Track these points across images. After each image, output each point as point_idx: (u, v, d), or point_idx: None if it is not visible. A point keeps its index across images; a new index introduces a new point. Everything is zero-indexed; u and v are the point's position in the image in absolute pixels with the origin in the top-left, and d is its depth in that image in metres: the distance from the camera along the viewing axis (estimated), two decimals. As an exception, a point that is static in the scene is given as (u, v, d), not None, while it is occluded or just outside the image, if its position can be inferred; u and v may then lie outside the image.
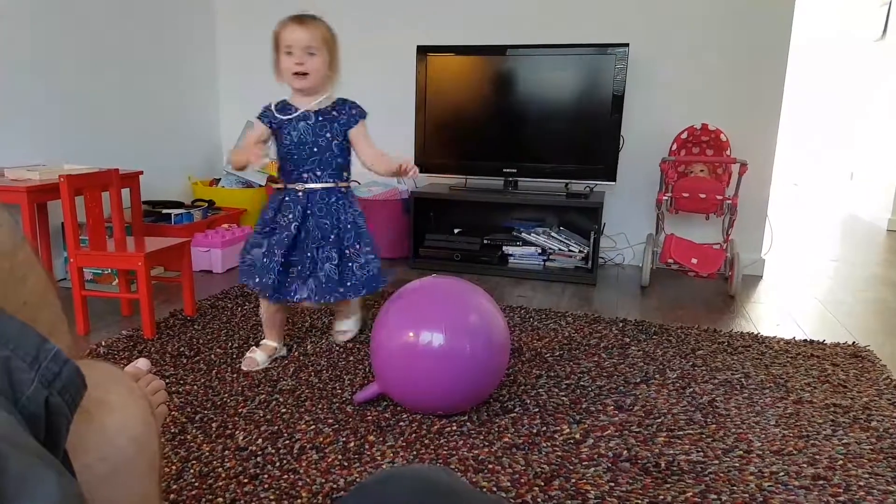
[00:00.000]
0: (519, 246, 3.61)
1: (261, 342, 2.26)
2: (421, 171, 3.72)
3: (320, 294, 2.15)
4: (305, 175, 2.16)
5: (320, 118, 2.15)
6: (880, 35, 5.89)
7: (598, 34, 3.58)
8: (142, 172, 3.01)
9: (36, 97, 3.01)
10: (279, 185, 2.22)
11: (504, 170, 3.63)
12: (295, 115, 2.13)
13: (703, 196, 3.20)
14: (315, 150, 2.14)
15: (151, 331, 2.41)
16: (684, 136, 3.46)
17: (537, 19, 3.74)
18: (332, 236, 2.17)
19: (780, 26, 3.44)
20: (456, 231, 3.77)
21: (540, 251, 3.57)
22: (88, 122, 3.32)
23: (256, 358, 2.17)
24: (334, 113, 2.17)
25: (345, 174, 2.24)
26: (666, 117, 3.62)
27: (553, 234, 3.59)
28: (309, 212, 2.15)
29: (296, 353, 2.30)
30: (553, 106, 3.51)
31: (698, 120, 3.46)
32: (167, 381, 2.04)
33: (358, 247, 2.21)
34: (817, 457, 1.67)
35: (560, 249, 3.55)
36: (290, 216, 2.14)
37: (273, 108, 2.16)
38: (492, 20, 3.80)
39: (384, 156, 2.25)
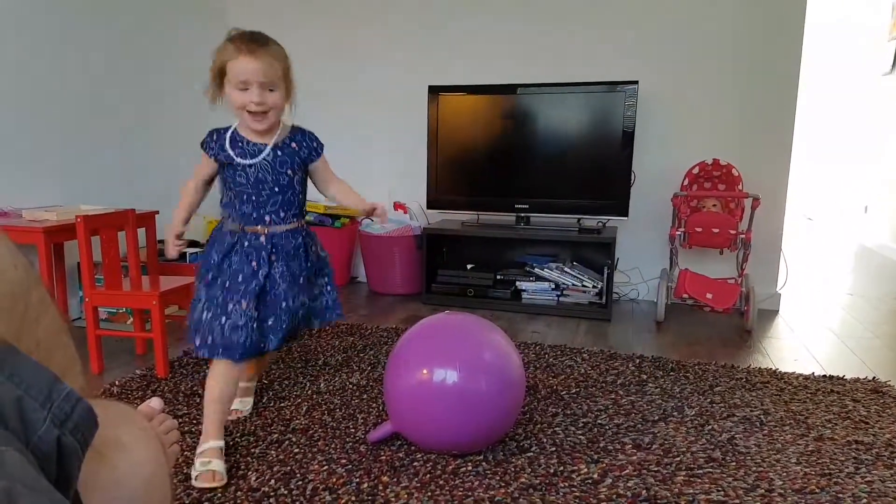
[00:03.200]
0: (532, 281, 3.60)
1: (207, 446, 1.73)
2: (433, 208, 3.79)
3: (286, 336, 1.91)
4: (267, 217, 1.86)
5: (279, 153, 1.86)
6: (889, 69, 5.92)
7: (609, 72, 3.61)
8: (158, 212, 3.04)
9: (54, 139, 3.07)
10: (234, 227, 1.89)
11: (516, 206, 3.64)
12: (252, 153, 1.85)
13: (716, 231, 3.19)
14: (276, 189, 1.85)
15: (165, 370, 2.41)
16: (696, 171, 3.46)
17: (547, 58, 3.78)
18: (303, 280, 1.91)
19: (790, 60, 3.46)
20: (469, 267, 3.77)
21: (553, 286, 3.56)
22: (106, 164, 3.37)
23: (218, 470, 1.68)
24: (293, 146, 1.89)
25: (304, 211, 1.97)
26: (677, 153, 3.63)
27: (566, 269, 3.58)
28: (275, 257, 1.86)
29: (309, 392, 2.29)
30: (564, 143, 3.53)
31: (709, 155, 3.46)
32: (180, 420, 2.03)
33: (325, 280, 2.04)
34: (840, 496, 1.63)
35: (574, 285, 3.54)
36: (254, 263, 1.83)
37: (225, 137, 1.88)
38: (502, 59, 3.85)
39: (352, 191, 2.02)
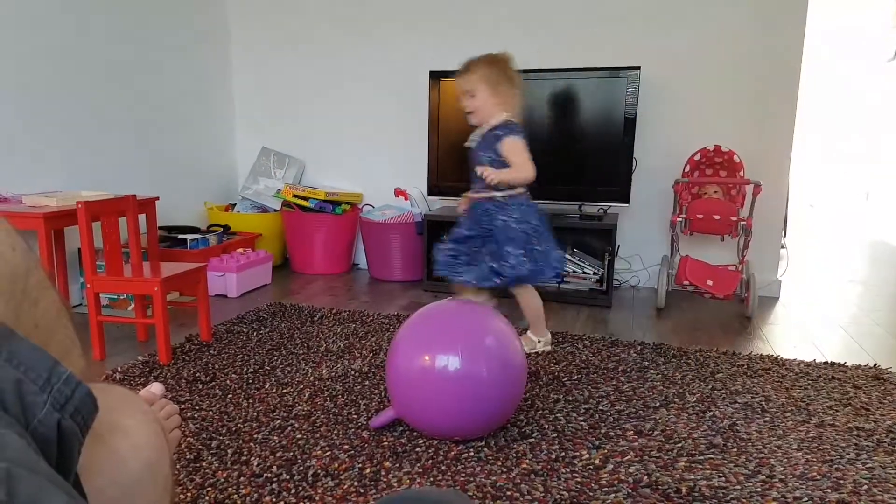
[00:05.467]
0: (533, 269, 3.59)
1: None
2: (434, 195, 3.79)
3: (479, 280, 2.45)
4: (473, 186, 2.53)
5: (482, 140, 2.46)
6: (892, 56, 5.89)
7: (611, 57, 3.59)
8: (158, 198, 3.03)
9: (54, 125, 3.06)
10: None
11: (517, 193, 3.62)
12: (474, 139, 2.50)
13: (717, 217, 3.18)
14: (476, 164, 2.46)
15: (167, 356, 2.41)
16: (697, 157, 3.45)
17: (549, 43, 3.76)
18: (489, 237, 2.47)
19: (792, 47, 3.44)
20: (470, 254, 3.76)
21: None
22: (106, 150, 3.36)
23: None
24: (496, 133, 2.42)
25: (500, 186, 2.43)
26: (679, 139, 3.62)
27: (567, 256, 3.58)
28: (471, 218, 2.52)
29: (311, 378, 2.29)
30: (565, 128, 3.51)
31: (711, 141, 3.45)
32: (182, 406, 2.03)
33: (509, 249, 2.43)
34: (841, 481, 1.63)
35: (574, 271, 3.53)
36: (467, 220, 2.54)
37: None
38: (504, 44, 3.82)
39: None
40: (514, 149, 2.41)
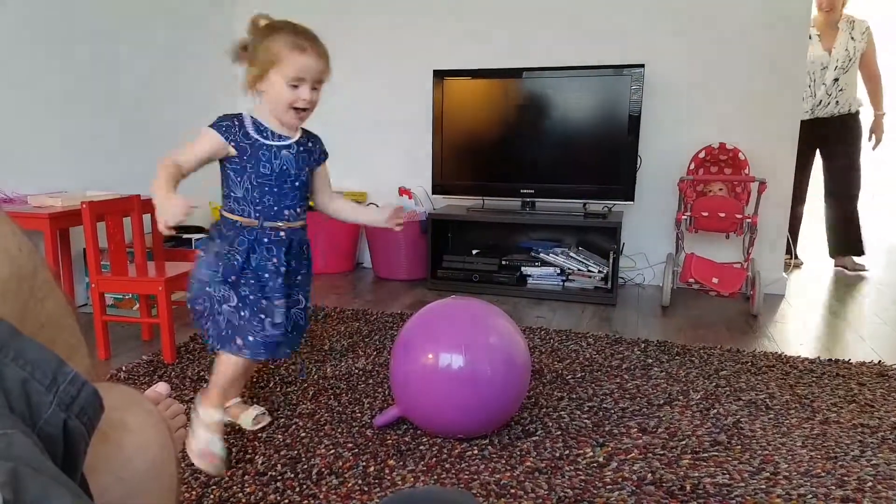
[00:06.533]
0: (537, 266, 3.59)
1: (210, 421, 1.71)
2: (438, 193, 3.79)
3: (292, 343, 1.85)
4: (287, 212, 1.74)
5: (301, 149, 1.76)
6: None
7: (614, 55, 3.59)
8: (162, 198, 3.03)
9: (58, 125, 3.06)
10: (251, 223, 1.72)
11: (521, 191, 3.63)
12: (279, 142, 1.73)
13: (722, 215, 3.18)
14: (297, 183, 1.75)
15: (172, 355, 2.42)
16: (702, 155, 3.45)
17: (553, 41, 3.75)
18: (301, 278, 1.82)
19: (798, 44, 3.43)
20: (474, 252, 3.77)
21: (559, 271, 3.56)
22: (110, 150, 3.36)
23: (217, 452, 1.65)
24: (310, 145, 1.81)
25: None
26: (683, 137, 3.61)
27: (572, 254, 3.57)
28: (289, 254, 1.75)
29: (315, 377, 2.29)
30: (570, 127, 3.51)
31: (716, 139, 3.44)
32: (187, 405, 2.04)
33: (308, 289, 1.87)
34: (846, 478, 1.63)
35: (579, 269, 3.53)
36: (275, 260, 1.72)
37: (246, 123, 1.73)
38: (508, 43, 3.83)
39: (361, 206, 2.10)
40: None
